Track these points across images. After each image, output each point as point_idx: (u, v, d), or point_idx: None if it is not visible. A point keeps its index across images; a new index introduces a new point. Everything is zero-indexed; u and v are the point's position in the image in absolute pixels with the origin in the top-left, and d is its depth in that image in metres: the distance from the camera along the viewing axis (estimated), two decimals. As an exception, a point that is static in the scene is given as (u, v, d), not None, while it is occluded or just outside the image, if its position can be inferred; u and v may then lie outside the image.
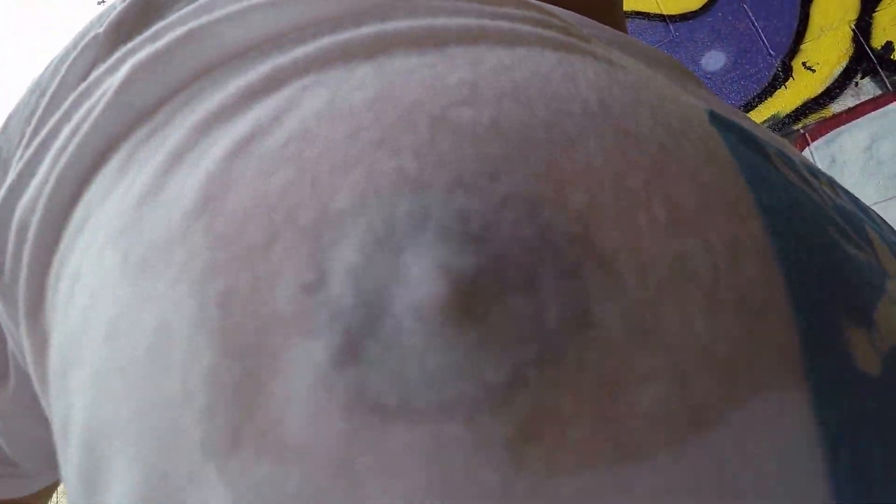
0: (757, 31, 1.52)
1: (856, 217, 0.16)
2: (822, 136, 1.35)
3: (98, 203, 0.13)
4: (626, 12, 1.73)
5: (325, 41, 0.12)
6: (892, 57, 1.35)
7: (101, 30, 0.17)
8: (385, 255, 0.09)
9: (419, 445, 0.08)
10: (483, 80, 0.11)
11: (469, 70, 0.11)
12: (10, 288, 0.15)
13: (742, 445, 0.09)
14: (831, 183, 0.21)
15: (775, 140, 0.18)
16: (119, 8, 0.17)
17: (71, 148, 0.13)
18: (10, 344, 0.19)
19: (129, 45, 0.15)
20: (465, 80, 0.11)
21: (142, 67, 0.13)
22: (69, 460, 0.12)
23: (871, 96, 1.32)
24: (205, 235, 0.10)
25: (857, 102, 1.33)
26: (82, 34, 0.18)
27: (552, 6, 0.18)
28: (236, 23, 0.13)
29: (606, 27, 0.20)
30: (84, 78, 0.16)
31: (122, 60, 0.14)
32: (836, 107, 1.35)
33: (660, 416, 0.08)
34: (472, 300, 0.08)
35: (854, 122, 1.32)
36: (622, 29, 0.32)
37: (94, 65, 0.17)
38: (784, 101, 1.42)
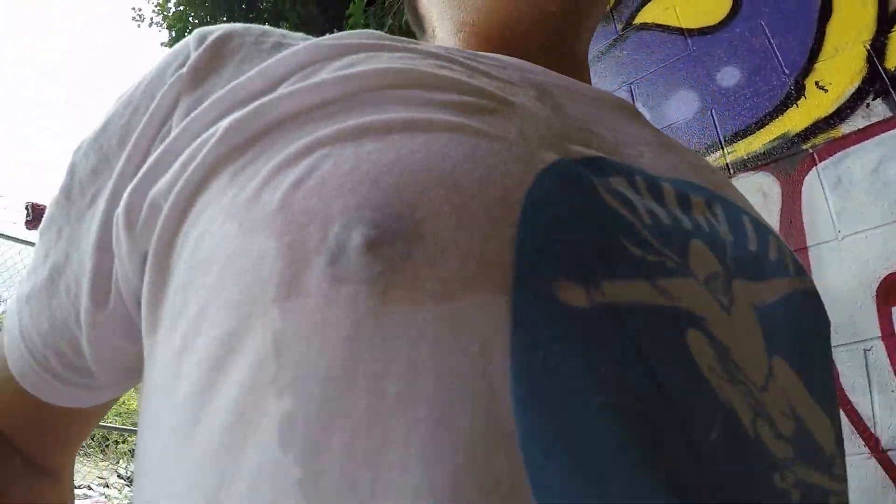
0: (772, 48, 1.54)
1: (677, 232, 0.26)
2: (830, 156, 1.36)
3: (216, 198, 0.23)
4: (646, 24, 1.77)
5: (332, 128, 0.23)
6: None
7: (183, 71, 0.28)
8: (348, 233, 0.19)
9: (350, 292, 0.19)
10: (400, 158, 0.22)
11: (395, 151, 0.22)
12: (140, 239, 0.26)
13: (469, 315, 0.19)
14: (709, 204, 0.31)
15: (670, 172, 0.31)
16: (193, 56, 0.29)
17: (196, 162, 0.24)
18: (117, 276, 0.27)
19: (210, 89, 0.27)
20: (391, 157, 0.22)
21: (237, 122, 0.24)
22: (175, 332, 0.23)
23: (881, 118, 1.33)
24: (283, 221, 0.21)
25: (868, 124, 1.34)
26: (166, 66, 0.30)
27: (507, 61, 0.33)
28: (284, 100, 0.25)
29: (554, 74, 0.34)
30: (174, 105, 0.28)
31: (217, 114, 0.26)
32: (846, 127, 1.37)
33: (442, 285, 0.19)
34: (372, 244, 0.19)
35: (863, 143, 1.34)
36: (583, 76, 0.43)
37: (179, 96, 0.28)
38: (795, 119, 1.44)
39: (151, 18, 3.89)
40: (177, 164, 0.25)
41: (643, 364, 0.21)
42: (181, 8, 3.53)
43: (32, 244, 3.61)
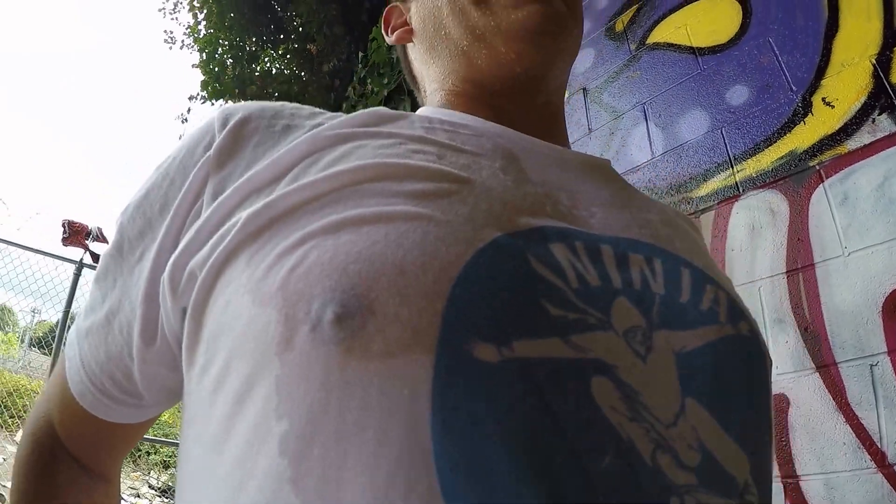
0: (780, 65, 1.57)
1: (604, 291, 0.33)
2: (836, 172, 1.39)
3: (237, 275, 0.31)
4: (658, 44, 1.82)
5: (319, 223, 0.30)
6: None
7: (210, 153, 0.38)
8: (324, 310, 0.27)
9: (324, 351, 0.27)
10: (364, 249, 0.29)
11: (362, 242, 0.29)
12: (181, 298, 0.35)
13: (403, 369, 0.26)
14: (649, 260, 0.38)
15: (602, 238, 0.37)
16: (218, 139, 0.38)
17: (223, 245, 0.32)
18: (163, 322, 0.37)
19: (232, 171, 0.36)
20: (359, 248, 0.29)
21: (252, 215, 0.32)
22: (209, 382, 0.31)
23: (887, 133, 1.36)
24: (281, 298, 0.29)
25: (873, 139, 1.37)
26: (195, 144, 0.39)
27: (484, 129, 0.42)
28: (283, 197, 0.33)
29: (526, 139, 0.43)
30: (204, 184, 0.37)
31: (238, 201, 0.34)
32: (852, 143, 1.39)
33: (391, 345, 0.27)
34: (339, 319, 0.27)
35: (869, 158, 1.36)
36: (556, 128, 0.52)
37: (207, 176, 0.37)
38: (802, 137, 1.47)
39: (182, 41, 4.12)
40: (209, 244, 0.34)
41: (542, 405, 0.27)
42: (211, 31, 3.73)
43: (68, 260, 3.87)
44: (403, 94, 2.46)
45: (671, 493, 0.28)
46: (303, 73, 3.32)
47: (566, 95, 1.86)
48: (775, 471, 1.26)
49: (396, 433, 0.26)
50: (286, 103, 0.45)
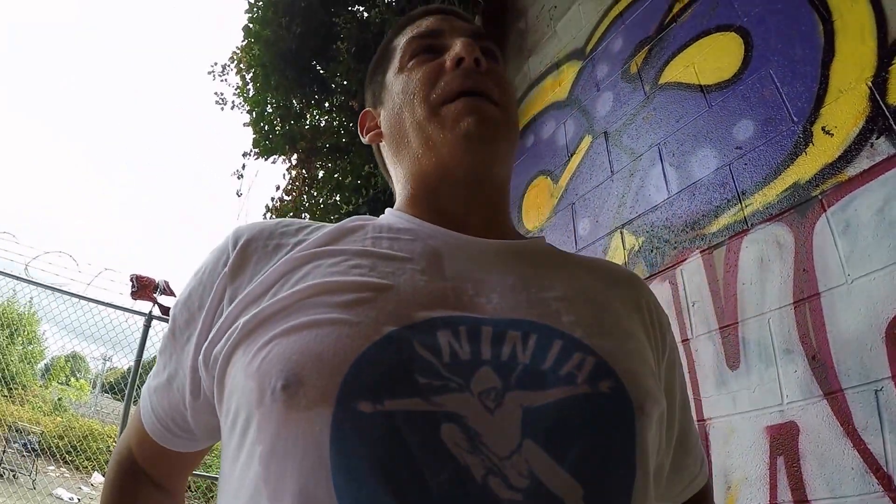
0: (782, 97, 1.63)
1: (472, 364, 0.45)
2: (837, 200, 1.43)
3: (239, 360, 0.48)
4: (669, 83, 1.91)
5: (281, 327, 0.47)
6: None
7: (226, 270, 0.56)
8: (277, 383, 0.44)
9: (277, 406, 0.44)
10: (302, 346, 0.45)
11: (302, 342, 0.45)
12: (211, 371, 0.51)
13: (316, 417, 0.42)
14: (525, 336, 0.49)
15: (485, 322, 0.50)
16: (232, 257, 0.56)
17: (231, 340, 0.49)
18: (203, 385, 0.53)
19: (240, 283, 0.55)
20: (299, 345, 0.45)
21: (245, 322, 0.49)
22: (229, 423, 0.49)
23: (885, 156, 1.38)
24: (257, 375, 0.46)
25: (872, 164, 1.39)
26: (217, 260, 0.57)
27: (421, 231, 0.59)
28: (264, 309, 0.49)
29: (455, 236, 0.58)
30: (223, 293, 0.55)
31: (241, 309, 0.52)
32: (852, 170, 1.42)
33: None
34: (284, 388, 0.44)
35: (868, 184, 1.39)
36: (500, 227, 0.64)
37: (225, 287, 0.54)
38: (804, 167, 1.51)
39: (233, 101, 4.48)
40: (223, 339, 0.51)
41: (399, 440, 0.41)
42: (258, 93, 4.12)
43: (138, 312, 4.34)
44: None
45: (497, 502, 0.40)
46: (350, 124, 3.65)
47: (589, 140, 2.01)
48: (788, 496, 1.34)
49: (312, 453, 0.42)
50: (280, 222, 0.62)
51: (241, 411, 0.47)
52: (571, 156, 2.22)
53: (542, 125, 2.47)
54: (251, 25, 3.86)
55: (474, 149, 0.60)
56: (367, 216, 0.66)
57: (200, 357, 0.54)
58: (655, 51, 2.02)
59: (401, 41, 0.71)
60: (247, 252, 0.57)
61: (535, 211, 2.33)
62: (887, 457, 1.22)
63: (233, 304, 0.53)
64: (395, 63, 0.69)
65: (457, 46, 0.63)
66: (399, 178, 0.68)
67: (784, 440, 1.38)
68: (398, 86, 0.66)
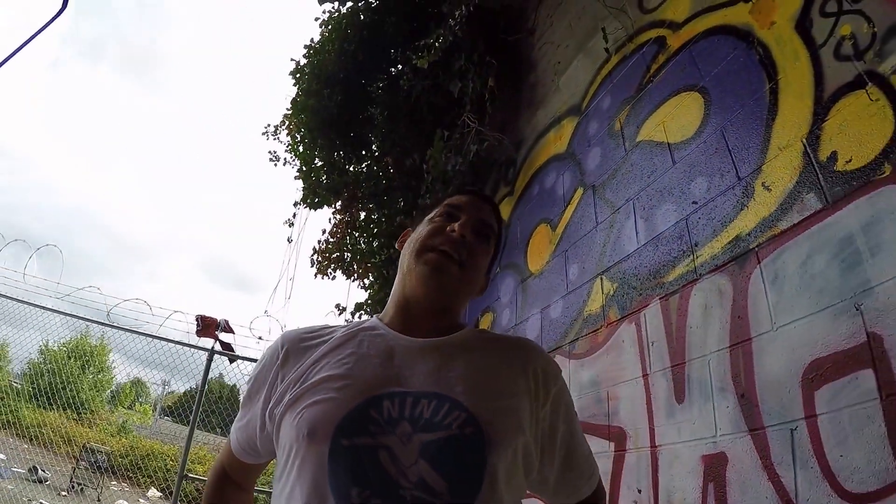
0: (730, 154, 1.75)
1: (399, 419, 0.84)
2: (770, 254, 1.54)
3: (286, 419, 0.90)
4: (644, 141, 2.07)
5: (305, 403, 0.88)
6: (835, 168, 1.48)
7: (278, 362, 0.98)
8: (304, 431, 0.84)
9: (303, 443, 0.85)
10: (311, 413, 0.86)
11: (315, 410, 0.86)
12: (271, 422, 0.93)
13: (319, 450, 0.82)
14: (430, 401, 0.87)
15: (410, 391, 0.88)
16: (280, 356, 0.99)
17: (281, 406, 0.91)
18: (267, 427, 0.95)
19: (286, 372, 0.96)
20: (314, 412, 0.86)
21: (289, 398, 0.90)
22: (281, 450, 0.91)
23: (812, 211, 1.48)
24: (294, 427, 0.87)
25: (801, 218, 1.50)
26: (273, 354, 1.00)
27: (385, 336, 0.99)
28: (298, 391, 0.91)
29: (405, 339, 0.97)
30: (276, 377, 0.96)
31: (284, 389, 0.93)
32: (784, 223, 1.53)
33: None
34: (308, 434, 0.84)
35: (796, 238, 1.49)
36: (447, 328, 1.00)
37: (278, 373, 0.97)
38: (745, 221, 1.62)
39: (285, 159, 5.19)
40: (280, 404, 0.91)
41: (359, 459, 0.79)
42: (307, 151, 4.76)
43: (201, 348, 5.01)
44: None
45: (400, 488, 0.77)
46: (381, 175, 4.08)
47: (581, 192, 2.19)
48: None
49: (318, 466, 0.80)
50: (306, 330, 1.03)
51: (287, 445, 0.87)
52: (567, 206, 2.41)
53: (545, 175, 2.67)
54: (298, 99, 4.46)
55: (426, 284, 0.97)
56: (366, 324, 1.03)
57: (267, 412, 0.94)
58: (635, 109, 2.18)
59: (442, 202, 1.11)
60: (288, 352, 0.99)
61: (538, 256, 2.52)
62: (797, 490, 1.31)
63: (283, 383, 0.94)
64: (432, 213, 1.08)
65: (459, 222, 1.01)
66: (394, 288, 1.06)
67: (715, 468, 1.49)
68: (422, 228, 1.06)
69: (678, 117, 1.97)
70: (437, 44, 2.93)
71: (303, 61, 4.67)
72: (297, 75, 4.62)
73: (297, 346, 1.00)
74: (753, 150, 1.68)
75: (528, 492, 0.95)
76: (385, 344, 0.97)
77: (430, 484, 0.79)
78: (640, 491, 1.70)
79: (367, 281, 4.65)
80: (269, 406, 0.95)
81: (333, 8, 4.38)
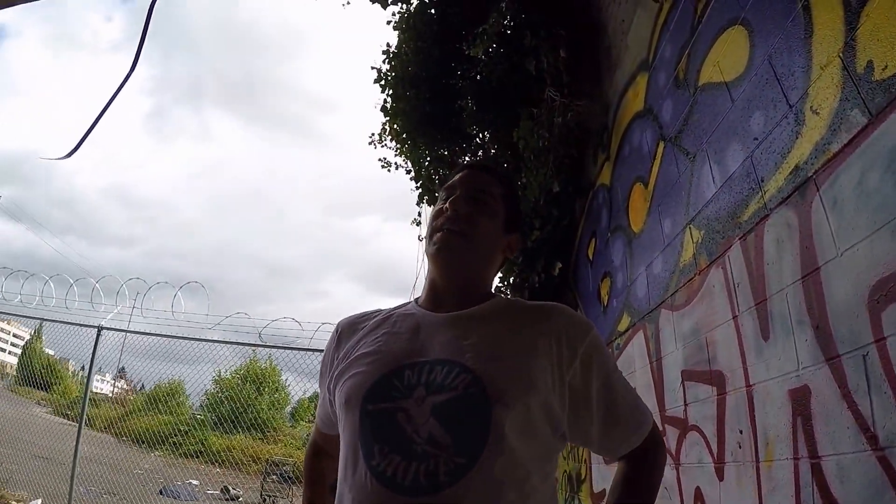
0: (778, 82, 1.73)
1: (417, 384, 0.99)
2: (826, 179, 1.52)
3: (337, 390, 1.09)
4: (706, 84, 2.09)
5: (347, 374, 1.07)
6: (873, 78, 1.43)
7: (333, 345, 1.20)
8: (343, 398, 1.06)
9: (345, 407, 1.06)
10: (351, 383, 1.05)
11: (352, 382, 1.06)
12: (331, 395, 1.13)
13: (354, 414, 1.01)
14: (442, 366, 1.01)
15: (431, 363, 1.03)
16: (335, 340, 1.20)
17: (334, 381, 1.11)
18: (329, 398, 1.15)
19: (338, 352, 1.17)
20: (351, 383, 1.06)
21: (338, 372, 1.11)
22: (338, 418, 1.12)
23: (858, 128, 1.44)
24: (340, 395, 1.08)
25: (850, 137, 1.47)
26: (332, 342, 1.21)
27: (413, 314, 1.17)
28: (344, 366, 1.10)
29: (431, 316, 1.13)
30: (334, 358, 1.16)
31: (338, 366, 1.12)
32: (835, 145, 1.50)
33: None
34: (345, 401, 1.07)
35: (847, 159, 1.46)
36: (469, 303, 1.11)
37: (335, 355, 1.16)
38: (801, 150, 1.60)
39: (395, 163, 5.65)
40: (334, 381, 1.10)
41: (381, 421, 0.96)
42: (413, 151, 5.05)
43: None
44: (553, 179, 3.10)
45: (413, 443, 0.92)
46: (492, 152, 4.25)
47: (662, 146, 2.27)
48: (805, 452, 1.51)
49: (352, 427, 0.99)
50: (360, 315, 1.21)
51: (337, 413, 1.06)
52: (653, 161, 2.46)
53: (631, 135, 2.71)
54: (388, 105, 4.81)
55: (438, 263, 1.12)
56: (404, 307, 1.18)
57: (328, 389, 1.14)
58: (692, 53, 2.18)
59: (444, 183, 1.24)
60: (342, 336, 1.18)
61: (637, 215, 2.60)
62: (874, 417, 1.35)
63: (337, 361, 1.13)
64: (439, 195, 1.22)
65: (451, 198, 1.14)
66: (426, 277, 1.21)
67: (801, 402, 1.54)
68: (431, 213, 1.20)
69: (729, 54, 1.96)
70: (490, 30, 3.06)
71: (384, 67, 4.92)
72: (382, 82, 4.91)
73: (348, 329, 1.17)
74: (798, 74, 1.65)
75: (573, 444, 1.09)
76: (414, 321, 1.10)
77: (437, 439, 0.91)
78: (741, 432, 1.77)
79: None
80: (329, 383, 1.12)
81: (401, 9, 4.60)
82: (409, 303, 1.21)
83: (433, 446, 0.91)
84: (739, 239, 1.86)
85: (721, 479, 1.89)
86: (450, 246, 1.10)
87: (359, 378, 1.02)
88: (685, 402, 2.13)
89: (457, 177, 1.19)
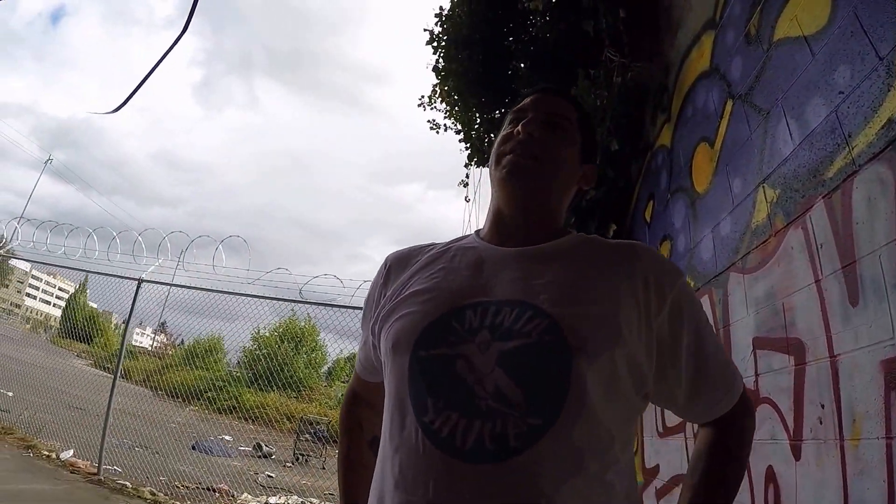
0: (866, 34, 1.69)
1: (480, 327, 0.86)
2: None
3: (383, 332, 0.99)
4: (781, 39, 2.04)
5: (395, 315, 0.96)
6: None
7: (381, 280, 1.08)
8: (390, 343, 0.95)
9: (391, 352, 0.95)
10: (400, 324, 0.96)
11: (400, 322, 0.96)
12: (376, 339, 1.02)
13: (403, 358, 0.90)
14: (511, 308, 0.88)
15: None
16: (383, 272, 1.08)
17: (381, 321, 1.00)
18: (373, 340, 1.02)
19: (387, 287, 1.05)
20: (400, 325, 0.95)
21: (385, 312, 1.00)
22: (383, 361, 1.01)
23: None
24: (386, 338, 0.98)
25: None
26: (379, 276, 1.09)
27: (477, 248, 1.03)
28: (392, 305, 1.00)
29: (493, 249, 1.00)
30: (382, 293, 1.04)
31: (386, 302, 1.01)
32: None
33: None
34: (394, 345, 0.95)
35: None
36: (541, 234, 0.99)
37: (383, 290, 1.05)
38: (895, 102, 1.58)
39: (445, 125, 5.61)
40: (379, 320, 0.98)
41: (437, 369, 0.83)
42: (462, 113, 5.01)
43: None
44: (611, 137, 3.06)
45: (476, 397, 0.78)
46: None
47: (731, 104, 2.24)
48: None
49: (400, 373, 0.86)
50: (413, 248, 1.06)
51: (382, 358, 0.94)
52: (720, 120, 2.42)
53: (695, 95, 2.66)
54: (440, 66, 4.76)
55: (507, 188, 1.00)
56: (463, 240, 1.07)
57: (373, 330, 1.01)
58: (766, 9, 2.13)
59: (512, 107, 1.11)
60: (391, 269, 1.06)
61: (702, 175, 2.57)
62: None
63: (382, 300, 1.01)
64: (504, 122, 1.10)
65: (523, 121, 1.02)
66: (491, 202, 1.08)
67: (895, 375, 1.44)
68: (497, 138, 1.07)
69: (809, 8, 1.91)
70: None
71: (436, 30, 4.86)
72: (434, 44, 4.86)
73: (398, 264, 1.06)
74: (888, 24, 1.60)
75: (658, 406, 1.00)
76: (476, 255, 0.98)
77: (505, 393, 0.78)
78: (822, 406, 1.66)
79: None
80: (373, 324, 1.00)
81: None
82: (470, 235, 1.08)
83: (501, 402, 0.77)
84: (823, 197, 1.83)
85: (797, 458, 1.74)
86: (523, 169, 0.97)
87: (410, 319, 0.90)
88: (756, 372, 2.04)
89: (528, 99, 1.07)
